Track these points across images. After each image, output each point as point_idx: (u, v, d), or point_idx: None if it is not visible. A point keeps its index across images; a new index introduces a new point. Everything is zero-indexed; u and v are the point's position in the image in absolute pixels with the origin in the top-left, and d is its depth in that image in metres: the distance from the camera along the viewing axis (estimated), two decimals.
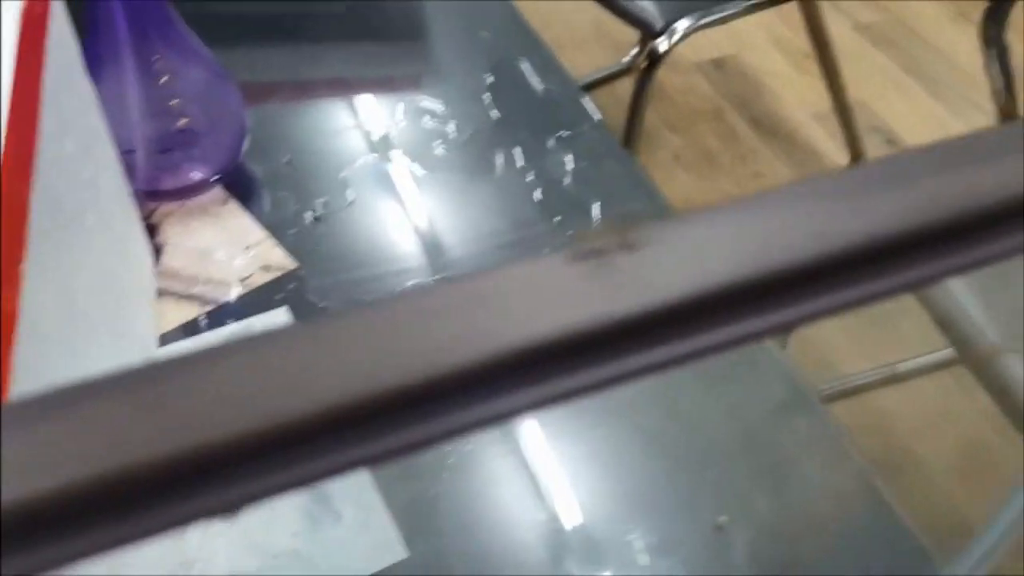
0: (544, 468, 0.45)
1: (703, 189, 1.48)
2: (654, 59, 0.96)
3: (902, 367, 1.09)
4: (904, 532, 0.44)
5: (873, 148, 1.50)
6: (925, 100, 1.65)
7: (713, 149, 1.55)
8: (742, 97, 1.64)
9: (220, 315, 0.51)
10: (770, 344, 0.52)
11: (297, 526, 0.42)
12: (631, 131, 1.05)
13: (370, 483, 0.44)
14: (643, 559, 0.42)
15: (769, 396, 0.49)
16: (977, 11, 1.08)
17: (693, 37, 1.63)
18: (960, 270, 0.14)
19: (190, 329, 0.51)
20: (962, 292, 0.70)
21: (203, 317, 0.51)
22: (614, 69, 1.61)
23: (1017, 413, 0.61)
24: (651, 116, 1.62)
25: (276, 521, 0.42)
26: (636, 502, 0.44)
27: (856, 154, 1.24)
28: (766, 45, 1.72)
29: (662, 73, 1.72)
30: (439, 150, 0.62)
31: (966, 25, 1.77)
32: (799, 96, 1.62)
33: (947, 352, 0.90)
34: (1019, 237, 0.14)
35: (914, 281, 0.13)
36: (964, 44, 1.71)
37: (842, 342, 1.16)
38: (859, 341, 1.16)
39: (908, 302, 0.76)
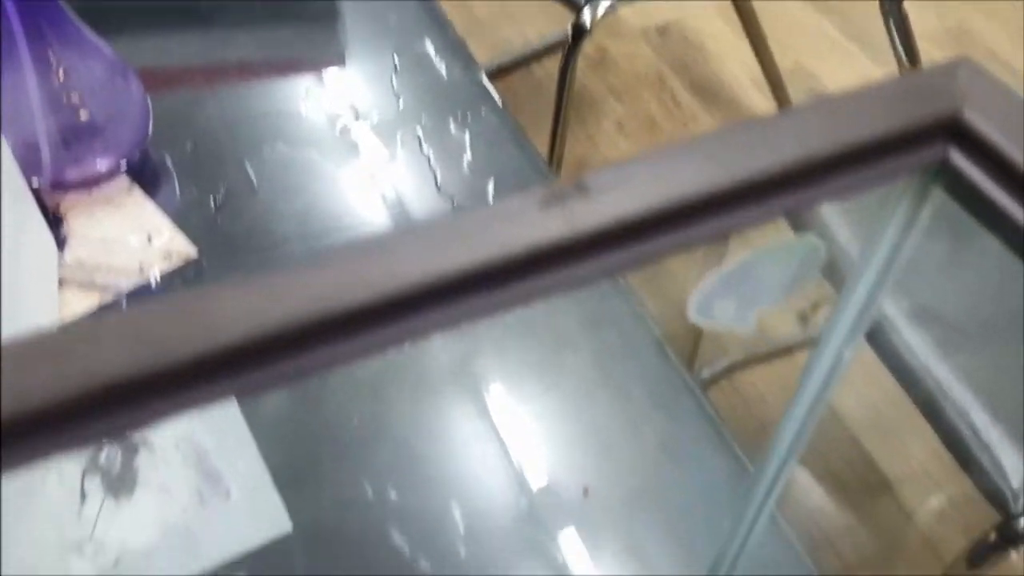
0: (418, 445, 0.48)
1: None
2: (578, 33, 0.98)
3: None
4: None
5: None
6: (865, 64, 1.67)
7: (656, 116, 1.57)
8: (684, 62, 1.66)
9: (119, 303, 0.53)
10: (657, 332, 0.55)
11: (187, 502, 0.45)
12: (560, 103, 1.07)
13: (259, 462, 0.47)
14: (518, 523, 0.45)
15: (649, 377, 0.52)
16: None
17: (639, 5, 1.63)
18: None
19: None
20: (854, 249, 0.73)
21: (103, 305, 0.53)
22: (553, 40, 1.62)
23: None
24: (597, 84, 1.64)
25: (167, 499, 0.45)
26: (512, 471, 0.47)
27: None
28: (708, 10, 1.74)
29: (608, 40, 1.73)
30: (344, 134, 0.64)
31: None
32: (740, 61, 1.64)
33: None
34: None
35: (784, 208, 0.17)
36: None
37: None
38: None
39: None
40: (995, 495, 0.62)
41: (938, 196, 0.18)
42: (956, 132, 0.17)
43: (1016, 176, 0.17)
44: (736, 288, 0.17)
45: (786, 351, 1.13)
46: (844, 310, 0.21)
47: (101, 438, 0.16)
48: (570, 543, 0.44)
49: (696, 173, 0.16)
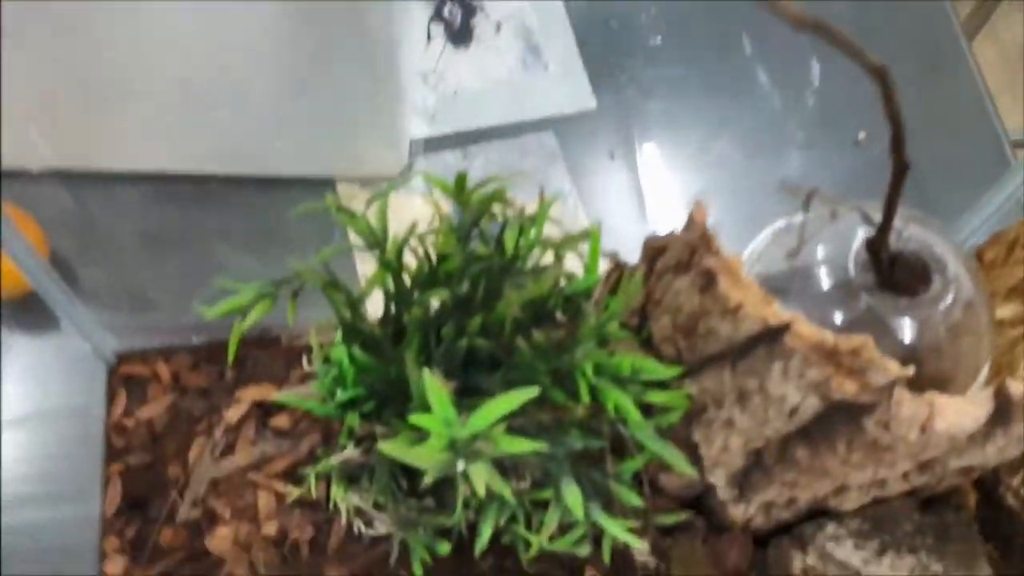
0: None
1: None
2: None
3: None
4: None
5: None
6: None
7: None
8: None
9: None
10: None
11: (513, 65, 0.52)
12: None
13: (574, 47, 0.53)
14: (796, 159, 0.51)
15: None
16: None
17: None
18: None
19: None
20: None
21: None
22: None
23: None
24: None
25: (497, 59, 0.52)
26: (789, 118, 0.52)
27: None
28: None
29: None
30: None
31: None
32: None
33: None
34: None
35: None
36: None
37: None
38: None
39: None
40: None
41: None
42: None
43: None
44: None
45: None
46: None
47: None
48: (844, 176, 0.50)
49: None
